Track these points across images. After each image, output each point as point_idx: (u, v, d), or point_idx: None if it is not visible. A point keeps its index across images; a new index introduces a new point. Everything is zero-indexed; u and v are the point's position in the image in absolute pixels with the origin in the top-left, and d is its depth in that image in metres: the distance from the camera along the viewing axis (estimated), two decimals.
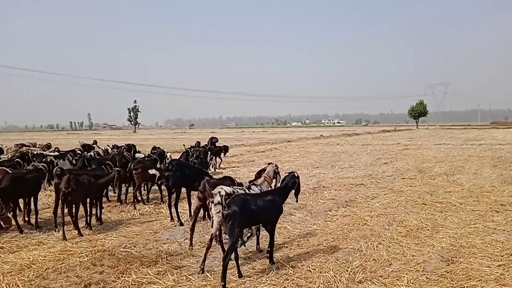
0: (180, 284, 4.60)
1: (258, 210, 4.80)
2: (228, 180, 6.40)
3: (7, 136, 65.80)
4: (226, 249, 4.78)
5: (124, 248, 5.85)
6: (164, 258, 5.40)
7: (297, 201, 6.23)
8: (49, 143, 18.31)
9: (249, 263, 5.25)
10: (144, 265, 5.14)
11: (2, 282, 4.60)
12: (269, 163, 6.45)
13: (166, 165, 8.39)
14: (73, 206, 6.66)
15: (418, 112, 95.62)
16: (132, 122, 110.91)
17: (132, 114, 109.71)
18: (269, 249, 5.21)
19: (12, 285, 4.52)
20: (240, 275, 4.77)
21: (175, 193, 7.49)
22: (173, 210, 7.44)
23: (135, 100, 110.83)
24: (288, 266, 5.07)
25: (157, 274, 4.86)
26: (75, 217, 6.71)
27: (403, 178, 12.26)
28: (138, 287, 4.52)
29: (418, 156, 19.17)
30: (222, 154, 15.77)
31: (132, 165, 9.21)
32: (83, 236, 6.49)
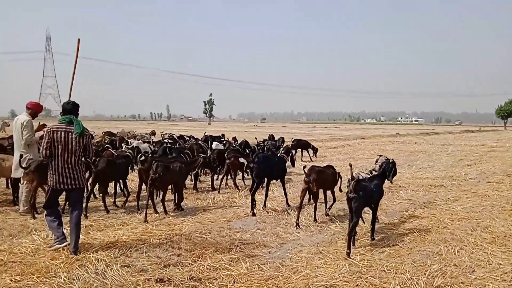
0: (252, 272, 4.70)
1: (371, 193, 5.73)
2: (331, 169, 7.27)
3: (95, 124, 71.22)
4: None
5: (199, 234, 6.09)
6: (237, 246, 5.55)
7: (391, 183, 6.83)
8: (154, 130, 19.79)
9: (321, 258, 5.21)
10: (218, 251, 5.32)
11: (92, 256, 5.00)
12: (380, 155, 7.81)
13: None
14: (160, 190, 7.35)
15: (507, 112, 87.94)
16: (207, 115, 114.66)
17: (207, 106, 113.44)
18: (371, 226, 6.04)
19: (100, 260, 4.89)
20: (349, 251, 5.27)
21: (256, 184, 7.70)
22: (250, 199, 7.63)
23: (211, 93, 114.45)
24: (361, 264, 4.97)
25: (231, 261, 5.01)
26: (163, 200, 7.32)
27: (489, 182, 11.40)
28: (213, 272, 4.69)
29: (506, 159, 17.67)
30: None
31: (226, 154, 9.94)
32: (162, 220, 6.87)
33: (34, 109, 7.18)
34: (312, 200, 7.37)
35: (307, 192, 6.91)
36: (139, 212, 7.34)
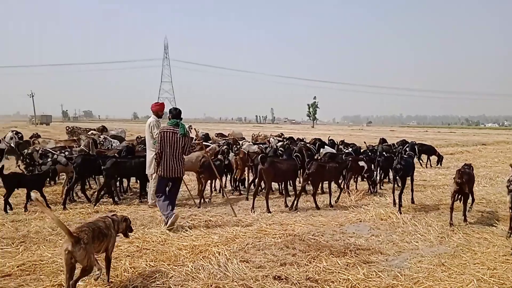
0: (370, 279, 4.60)
1: None
2: (471, 169, 7.50)
3: (205, 126, 75.67)
4: None
5: (312, 236, 6.13)
6: (352, 250, 5.47)
7: None
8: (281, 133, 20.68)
9: (444, 271, 4.89)
10: (333, 254, 5.30)
11: (214, 250, 5.34)
12: None
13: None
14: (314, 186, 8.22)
15: None
16: (311, 118, 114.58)
17: (311, 109, 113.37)
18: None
19: (221, 254, 5.20)
20: None
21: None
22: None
23: (315, 96, 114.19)
24: (492, 281, 4.55)
25: (346, 266, 4.95)
26: (314, 195, 8.13)
27: None
28: (329, 274, 4.69)
29: None
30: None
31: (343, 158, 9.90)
32: (275, 220, 7.05)
33: (156, 110, 7.97)
34: (461, 202, 7.33)
35: (457, 194, 7.09)
36: (253, 210, 7.64)
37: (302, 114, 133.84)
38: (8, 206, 7.33)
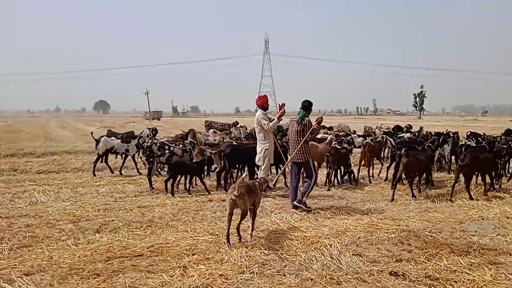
0: (498, 281, 4.23)
1: None
2: None
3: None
4: None
5: (429, 232, 5.80)
6: (476, 250, 5.07)
7: None
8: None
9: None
10: (454, 253, 4.97)
11: (325, 241, 5.35)
12: None
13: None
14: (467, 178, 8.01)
15: None
16: (417, 108, 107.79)
17: (418, 99, 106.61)
18: None
19: (333, 246, 5.18)
20: None
21: None
22: None
23: (422, 85, 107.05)
24: None
25: (470, 265, 4.61)
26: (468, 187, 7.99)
27: None
28: (450, 273, 4.41)
29: None
30: None
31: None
32: (386, 214, 6.82)
33: (261, 103, 8.24)
34: None
35: None
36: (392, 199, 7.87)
37: (407, 105, 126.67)
38: (175, 189, 8.46)
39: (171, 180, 8.43)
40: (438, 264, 4.62)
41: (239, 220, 5.40)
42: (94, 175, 10.64)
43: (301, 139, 7.09)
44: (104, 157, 11.21)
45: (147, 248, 5.20)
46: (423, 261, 4.75)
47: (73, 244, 5.31)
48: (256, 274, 4.40)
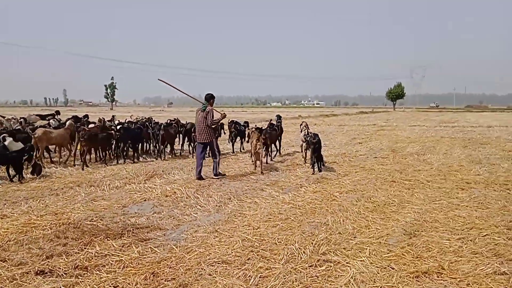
0: (144, 256, 4.58)
1: None
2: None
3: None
4: None
5: (90, 221, 5.75)
6: (130, 231, 5.36)
7: None
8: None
9: (217, 236, 5.26)
10: (109, 237, 5.09)
11: None
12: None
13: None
14: None
15: (396, 95, 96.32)
16: (109, 99, 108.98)
17: (109, 90, 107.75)
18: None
19: None
20: None
21: None
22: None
23: (112, 77, 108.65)
24: (254, 239, 5.11)
25: (122, 247, 4.82)
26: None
27: (376, 157, 12.44)
28: (101, 259, 4.48)
29: (392, 137, 19.48)
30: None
31: None
32: (48, 210, 6.37)
33: None
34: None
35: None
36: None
37: (100, 96, 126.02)
38: None
39: None
40: (90, 252, 4.61)
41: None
42: None
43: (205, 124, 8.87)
44: None
45: None
46: (76, 252, 4.64)
47: None
48: None
